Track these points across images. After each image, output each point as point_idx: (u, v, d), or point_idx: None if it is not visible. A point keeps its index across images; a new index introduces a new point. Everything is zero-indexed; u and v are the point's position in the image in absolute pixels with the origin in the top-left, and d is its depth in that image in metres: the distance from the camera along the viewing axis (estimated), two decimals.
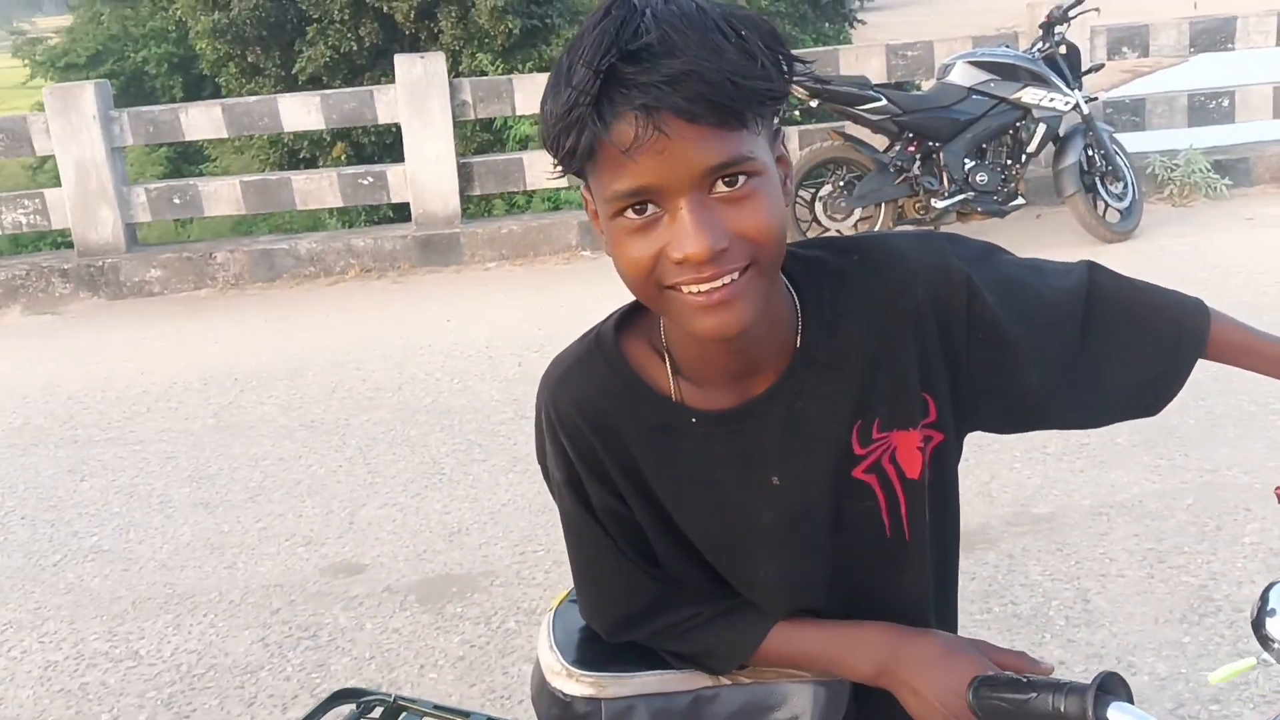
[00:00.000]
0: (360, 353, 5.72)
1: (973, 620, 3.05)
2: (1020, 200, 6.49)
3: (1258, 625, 1.03)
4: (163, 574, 3.73)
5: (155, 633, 3.39)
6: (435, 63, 7.54)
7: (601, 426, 1.19)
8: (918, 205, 6.42)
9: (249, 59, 15.89)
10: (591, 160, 1.01)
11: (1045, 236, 6.71)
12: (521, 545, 3.69)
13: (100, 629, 3.43)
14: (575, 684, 1.25)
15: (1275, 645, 1.00)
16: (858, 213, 6.42)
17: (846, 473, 1.20)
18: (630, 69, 0.96)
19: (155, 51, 20.25)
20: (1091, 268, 1.26)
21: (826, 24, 20.45)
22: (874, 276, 1.18)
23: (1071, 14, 6.59)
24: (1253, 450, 3.80)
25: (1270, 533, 3.32)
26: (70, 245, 7.81)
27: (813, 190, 6.46)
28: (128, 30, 21.13)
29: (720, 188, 1.00)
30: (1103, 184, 6.56)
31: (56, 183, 7.66)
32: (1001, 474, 3.86)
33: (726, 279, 1.02)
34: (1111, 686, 1.04)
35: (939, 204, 6.35)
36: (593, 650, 1.29)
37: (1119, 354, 1.23)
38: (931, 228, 6.56)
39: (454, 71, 13.41)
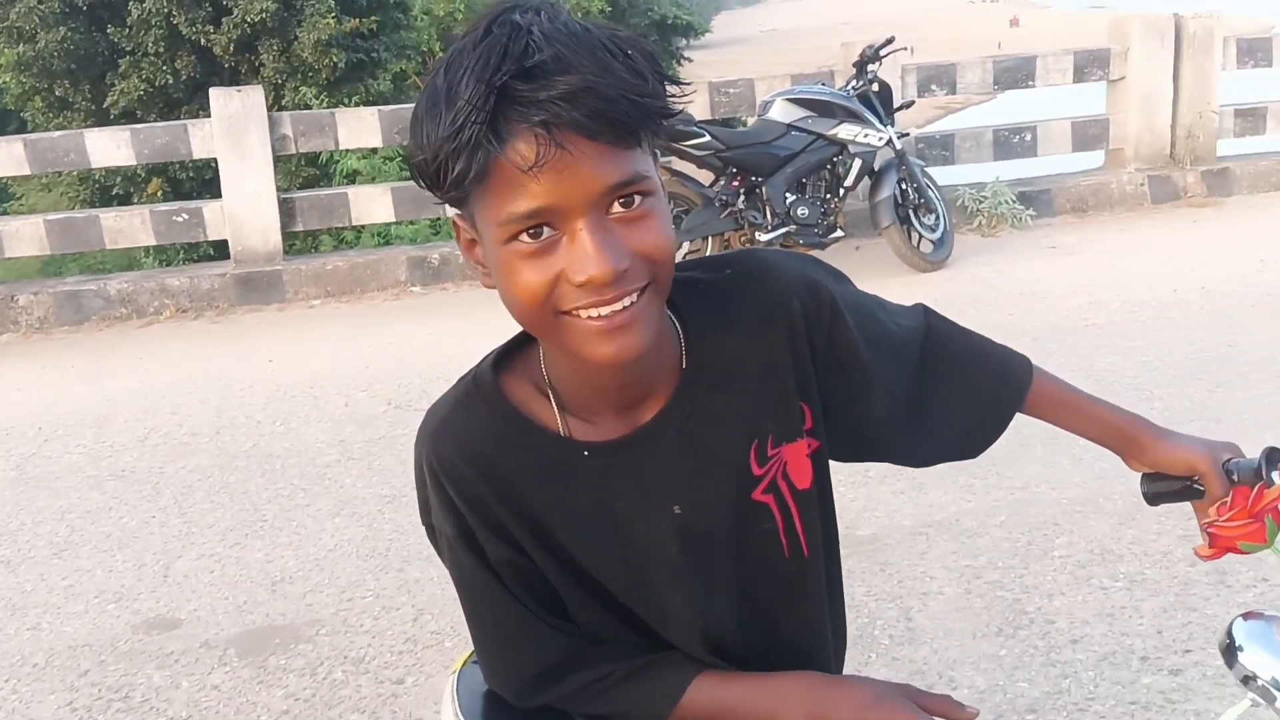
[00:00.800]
0: (175, 396, 5.48)
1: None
2: (840, 233, 6.70)
3: (1231, 664, 1.02)
4: None
5: None
6: (254, 96, 7.34)
7: (489, 472, 1.14)
8: (743, 239, 6.55)
9: (57, 93, 15.27)
10: (482, 184, 0.97)
11: (863, 266, 6.93)
12: (349, 592, 3.58)
13: None
14: None
15: (1257, 681, 0.99)
16: (685, 246, 6.50)
17: (747, 495, 1.18)
18: (525, 86, 0.93)
19: None
20: (927, 312, 1.31)
21: None
22: (750, 289, 1.18)
23: (883, 53, 6.86)
24: (1059, 466, 3.98)
25: (1076, 545, 3.48)
26: None
27: None
28: None
29: (617, 208, 0.99)
30: (916, 216, 6.83)
31: None
32: None
33: (628, 300, 1.00)
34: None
35: (763, 237, 6.49)
36: (501, 715, 1.23)
37: (947, 398, 1.28)
38: None
39: (276, 105, 13.12)
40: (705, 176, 6.66)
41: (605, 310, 1.00)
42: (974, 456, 1.36)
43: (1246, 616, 1.02)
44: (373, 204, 7.61)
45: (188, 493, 4.39)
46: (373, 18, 15.17)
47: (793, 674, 1.18)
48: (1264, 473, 1.22)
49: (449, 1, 17.86)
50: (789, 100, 6.61)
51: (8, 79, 15.49)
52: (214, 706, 3.06)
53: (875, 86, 6.76)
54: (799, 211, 6.52)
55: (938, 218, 6.93)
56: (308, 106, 13.71)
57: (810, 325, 1.19)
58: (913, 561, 3.49)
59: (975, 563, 3.46)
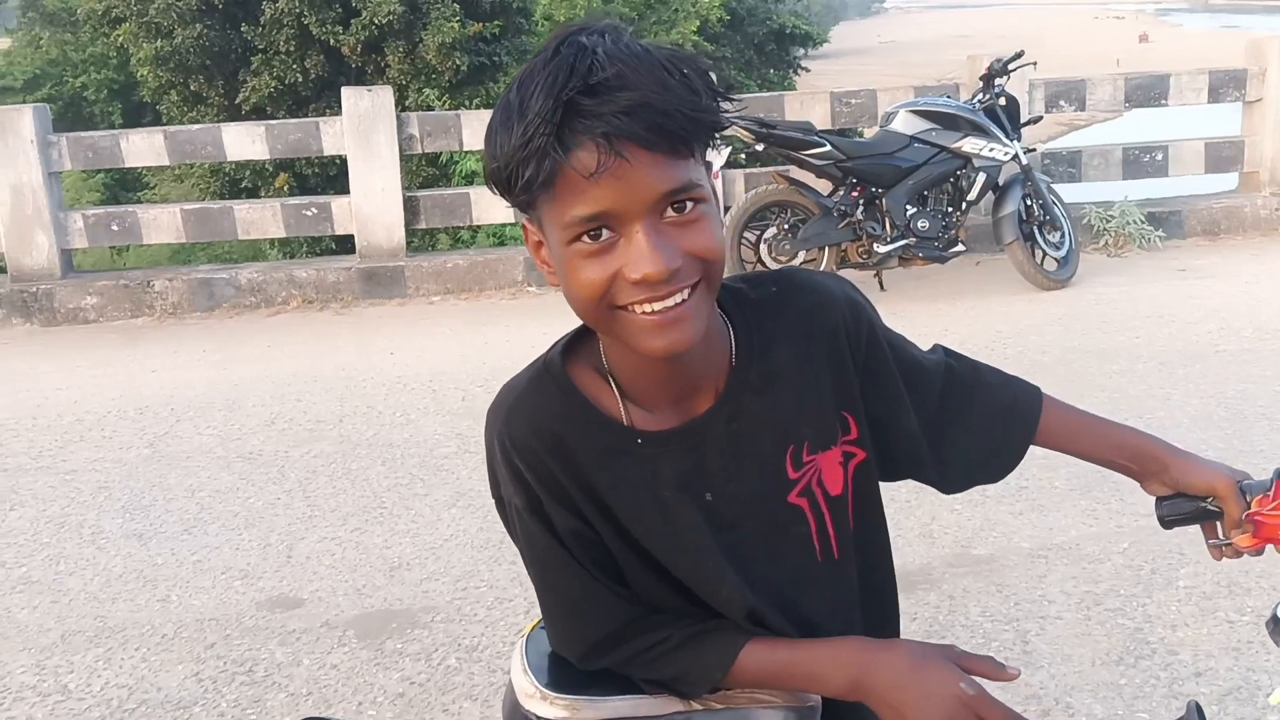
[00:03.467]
0: (301, 384, 5.65)
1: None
2: (960, 247, 6.61)
3: (1276, 636, 1.06)
4: (93, 606, 3.64)
5: (85, 667, 3.30)
6: (383, 96, 7.53)
7: (557, 449, 1.21)
8: (860, 250, 6.50)
9: (191, 87, 15.76)
10: (548, 189, 1.06)
11: (984, 283, 6.84)
12: (463, 581, 3.65)
13: (28, 662, 3.33)
14: (549, 707, 1.26)
15: None
16: (802, 255, 6.49)
17: (782, 498, 1.25)
18: (589, 101, 1.02)
19: (95, 77, 20.06)
20: (945, 350, 1.40)
21: (771, 70, 20.80)
22: (793, 305, 1.27)
23: (1011, 67, 6.76)
24: None
25: (1203, 577, 3.38)
26: (2, 270, 7.65)
27: (758, 232, 6.53)
28: (67, 55, 20.90)
29: (670, 213, 1.07)
30: (1040, 233, 6.71)
31: None
32: (942, 515, 3.90)
33: (680, 296, 1.09)
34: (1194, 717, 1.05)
35: (881, 249, 6.44)
36: (566, 674, 1.29)
37: (965, 425, 1.36)
38: (873, 272, 6.66)
39: (400, 106, 13.41)
40: (824, 186, 6.63)
41: (659, 305, 1.08)
42: (995, 481, 1.42)
43: None
44: (493, 205, 7.73)
45: (311, 477, 4.52)
46: (495, 22, 15.39)
47: (840, 640, 1.23)
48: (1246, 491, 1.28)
49: (570, 7, 18.04)
50: (913, 112, 6.55)
51: (145, 73, 16.08)
52: (333, 685, 3.15)
53: (1002, 100, 6.66)
54: (919, 224, 6.45)
55: (1063, 235, 6.79)
56: (430, 107, 13.98)
57: (851, 341, 1.27)
58: (1031, 584, 3.43)
59: (1096, 589, 3.38)
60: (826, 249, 6.47)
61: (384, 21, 14.30)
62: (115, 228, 7.58)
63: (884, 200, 6.46)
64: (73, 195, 16.98)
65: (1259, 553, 1.30)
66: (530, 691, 1.27)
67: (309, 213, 7.64)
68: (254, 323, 7.10)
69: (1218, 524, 1.36)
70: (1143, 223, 7.62)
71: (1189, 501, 1.35)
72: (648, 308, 1.08)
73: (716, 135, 1.11)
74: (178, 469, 4.69)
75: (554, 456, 1.21)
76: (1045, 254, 6.74)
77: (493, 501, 1.32)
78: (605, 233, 1.07)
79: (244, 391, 5.61)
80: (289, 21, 14.65)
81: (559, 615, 1.29)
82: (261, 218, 7.63)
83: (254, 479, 4.55)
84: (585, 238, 1.07)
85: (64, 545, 4.06)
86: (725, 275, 1.18)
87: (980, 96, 6.70)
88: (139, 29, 15.29)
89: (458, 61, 14.62)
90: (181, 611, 3.59)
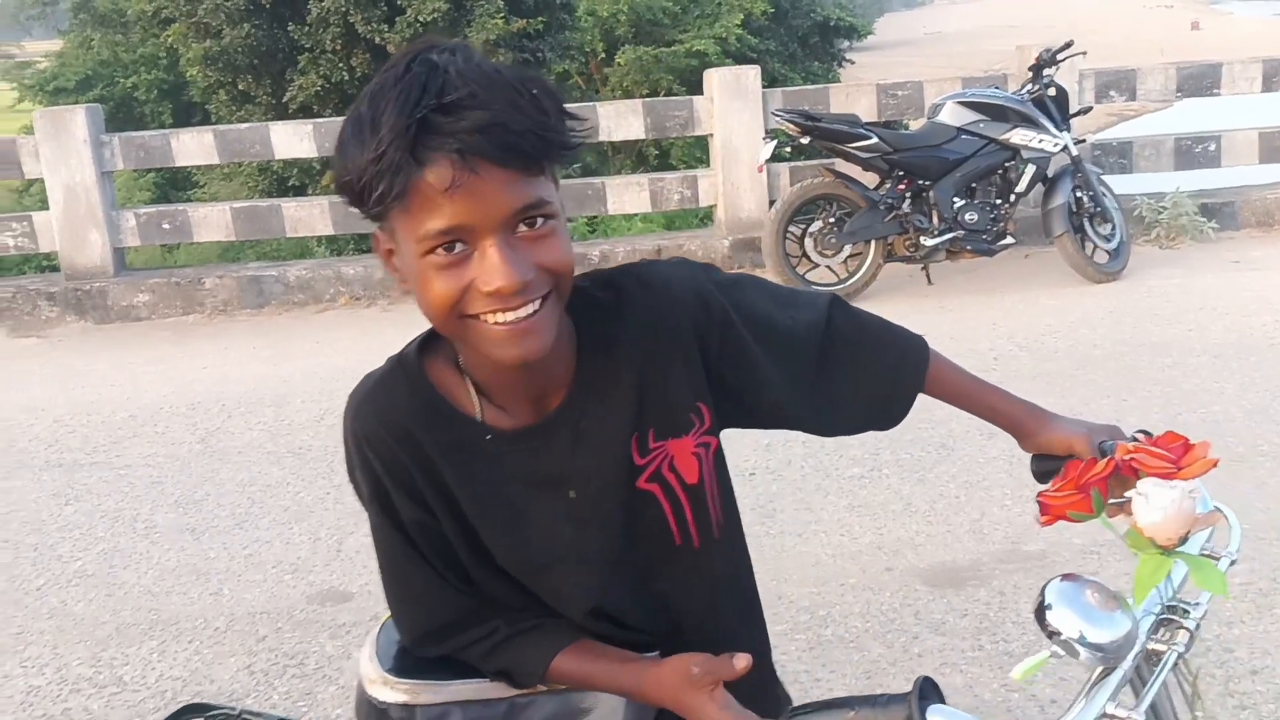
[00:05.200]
0: (349, 380, 5.57)
1: (964, 658, 3.05)
2: (1009, 240, 6.54)
3: (1040, 619, 1.11)
4: (147, 600, 3.70)
5: (139, 659, 3.35)
6: None
7: (406, 442, 1.25)
8: (907, 243, 6.45)
9: (240, 87, 15.92)
10: (402, 203, 1.08)
11: (1034, 276, 6.76)
12: None
13: (84, 654, 3.39)
14: (390, 691, 1.31)
15: (1060, 636, 1.09)
16: (847, 249, 6.45)
17: (632, 484, 1.30)
18: (443, 118, 1.05)
19: (145, 78, 20.31)
20: (832, 303, 1.42)
21: (815, 63, 20.68)
22: (637, 305, 1.30)
23: (1060, 57, 6.67)
24: (1241, 492, 3.81)
25: (1259, 573, 3.33)
26: (56, 269, 7.77)
27: (803, 226, 6.50)
28: (118, 56, 21.19)
29: (522, 228, 1.12)
30: (1091, 225, 6.62)
31: (43, 206, 7.64)
32: (992, 511, 3.87)
33: (531, 308, 1.13)
34: (928, 691, 1.09)
35: (929, 242, 6.39)
36: (411, 660, 1.34)
37: (849, 380, 1.40)
38: (920, 265, 6.60)
39: None
40: (870, 179, 6.59)
41: (510, 316, 1.12)
42: (889, 428, 1.48)
43: (1064, 578, 1.12)
44: None
45: None
46: (539, 19, 15.43)
47: (633, 666, 1.27)
48: (1106, 451, 1.31)
49: (613, 3, 18.05)
50: (960, 103, 6.49)
51: (194, 73, 16.27)
52: None
53: (1051, 91, 6.58)
54: (967, 217, 6.39)
55: (1114, 227, 6.70)
56: None
57: (701, 335, 1.30)
58: None
59: None
60: (872, 242, 6.43)
61: (429, 19, 14.38)
62: (166, 226, 7.68)
63: (931, 193, 6.41)
64: (124, 194, 17.21)
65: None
66: (373, 677, 1.32)
67: (354, 210, 7.67)
68: (302, 319, 7.17)
69: None
70: (1195, 214, 7.50)
71: (1056, 460, 1.40)
72: (499, 318, 1.12)
73: (564, 153, 1.14)
74: (229, 464, 4.75)
75: (403, 448, 1.25)
76: (1096, 246, 6.65)
77: None
78: (459, 246, 1.10)
79: (293, 387, 5.67)
80: (335, 20, 14.76)
81: (397, 602, 1.34)
82: (309, 215, 7.70)
83: (303, 474, 4.60)
84: (439, 250, 1.10)
85: (118, 539, 4.13)
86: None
87: (1029, 87, 6.62)
88: (188, 29, 15.48)
89: (501, 58, 14.69)
90: (233, 605, 3.63)
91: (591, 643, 1.30)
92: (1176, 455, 1.22)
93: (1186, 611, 1.21)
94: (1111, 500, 1.27)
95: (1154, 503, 1.18)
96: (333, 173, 1.16)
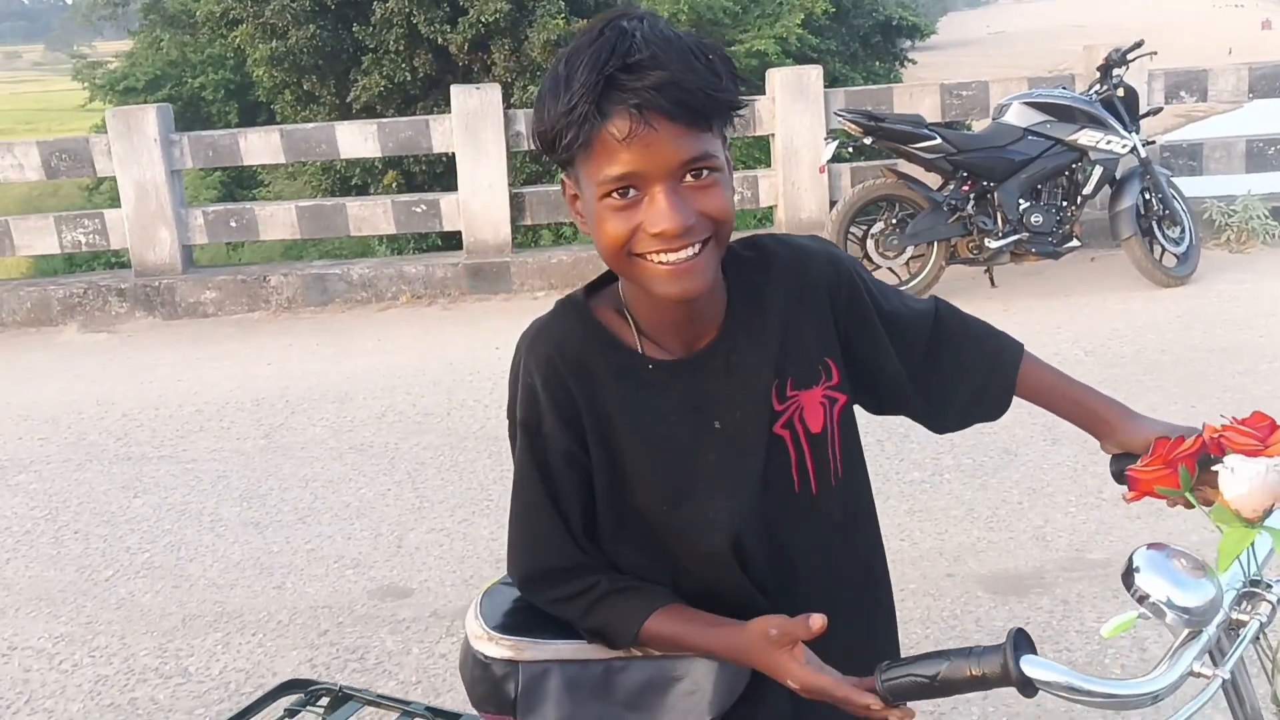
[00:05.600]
0: (410, 378, 5.75)
1: None
2: (1075, 242, 6.44)
3: (1127, 583, 1.16)
4: (213, 592, 3.76)
5: (205, 650, 3.40)
6: (491, 94, 7.62)
7: (577, 368, 1.35)
8: (971, 245, 6.38)
9: (305, 87, 16.13)
10: (586, 151, 1.21)
11: (1100, 279, 6.65)
12: None
13: (150, 645, 3.45)
14: (495, 647, 1.37)
15: (1148, 599, 1.14)
16: (909, 251, 6.39)
17: (769, 427, 1.38)
18: (626, 77, 1.17)
19: (212, 78, 20.62)
20: (938, 301, 1.53)
21: (877, 63, 20.51)
22: (780, 262, 1.41)
23: (1130, 57, 6.56)
24: None
25: None
26: (124, 265, 7.93)
27: (864, 227, 6.45)
28: (186, 56, 21.53)
29: (689, 179, 1.22)
30: (1159, 228, 6.50)
31: (111, 204, 7.80)
32: (1055, 518, 3.81)
33: (691, 250, 1.23)
34: (1020, 642, 1.11)
35: (993, 244, 6.31)
36: (514, 620, 1.40)
37: (951, 370, 1.49)
38: (984, 268, 6.53)
39: (506, 103, 13.56)
40: (933, 180, 6.52)
41: (673, 257, 1.23)
42: (988, 420, 1.55)
43: (1150, 546, 1.17)
44: None
45: (420, 469, 4.60)
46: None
47: (720, 629, 1.32)
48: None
49: (674, 3, 18.04)
50: (1027, 104, 6.41)
51: (261, 73, 16.52)
52: (440, 674, 3.20)
53: (1120, 91, 6.47)
54: (1033, 219, 6.30)
55: (1183, 230, 6.57)
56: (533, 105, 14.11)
57: (833, 293, 1.41)
58: None
59: None
60: (935, 244, 6.36)
61: (491, 20, 14.47)
62: (234, 224, 7.80)
63: (996, 194, 6.33)
64: (190, 193, 17.49)
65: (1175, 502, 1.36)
66: (479, 633, 1.38)
67: (418, 209, 7.76)
68: (364, 317, 7.25)
69: None
70: (1267, 217, 7.33)
71: (1134, 458, 1.43)
72: (663, 258, 1.23)
73: (733, 113, 1.25)
74: (292, 459, 4.81)
75: (573, 375, 1.35)
76: (1164, 249, 6.53)
77: None
78: (632, 191, 1.21)
79: (355, 384, 5.73)
80: (398, 21, 14.90)
81: (518, 538, 1.41)
82: (373, 214, 7.78)
83: (365, 470, 4.64)
84: (615, 194, 1.22)
85: (184, 532, 4.20)
86: None
87: (1097, 87, 6.52)
88: (255, 30, 15.70)
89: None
90: (296, 598, 3.68)
91: (683, 607, 1.36)
92: (1263, 434, 1.26)
93: (1270, 586, 1.25)
94: (1196, 485, 1.32)
95: (1240, 475, 1.22)
96: (532, 124, 1.28)
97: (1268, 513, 1.23)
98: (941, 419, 1.53)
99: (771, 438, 1.38)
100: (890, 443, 4.41)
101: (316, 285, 7.53)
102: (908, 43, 22.33)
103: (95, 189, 19.32)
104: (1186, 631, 1.15)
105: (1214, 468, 1.26)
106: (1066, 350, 5.49)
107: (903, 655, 1.24)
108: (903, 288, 6.29)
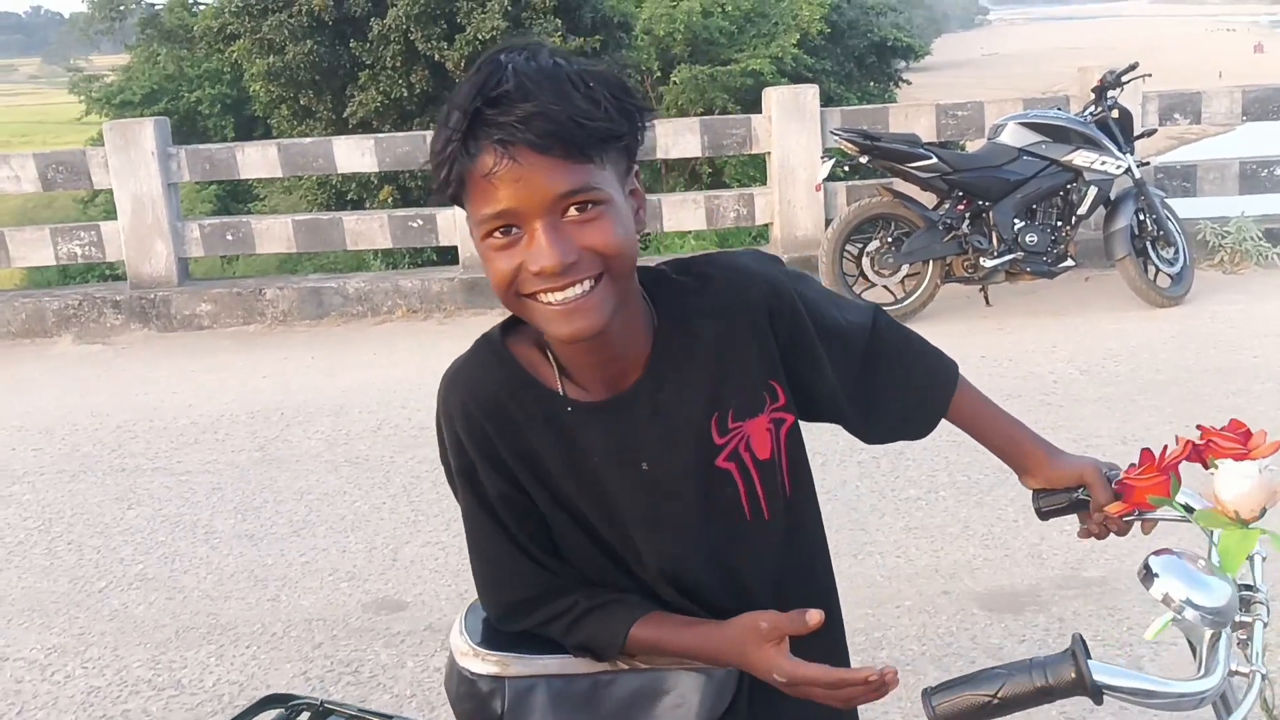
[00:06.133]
0: (406, 391, 5.75)
1: None
2: (1070, 262, 6.47)
3: (1149, 587, 1.16)
4: (206, 604, 3.74)
5: (198, 662, 3.39)
6: None
7: (496, 414, 1.32)
8: (966, 264, 6.40)
9: (301, 102, 16.19)
10: (464, 190, 1.19)
11: (1095, 299, 6.68)
12: None
13: (143, 656, 3.44)
14: (480, 663, 1.36)
15: (1174, 601, 1.14)
16: (904, 269, 6.41)
17: (710, 462, 1.35)
18: (491, 111, 1.14)
19: (209, 92, 20.70)
20: (876, 312, 1.48)
21: (871, 83, 20.63)
22: (715, 289, 1.36)
23: (1125, 79, 6.60)
24: None
25: None
26: (119, 277, 7.93)
27: (860, 245, 6.47)
28: (183, 71, 21.60)
29: (572, 213, 1.17)
30: (1154, 248, 6.53)
31: (106, 216, 7.80)
32: (1051, 536, 3.82)
33: (579, 288, 1.19)
34: (1079, 648, 1.11)
35: (988, 263, 6.34)
36: (499, 636, 1.39)
37: (887, 385, 1.46)
38: (979, 286, 6.55)
39: None
40: (929, 199, 6.55)
41: (559, 296, 1.19)
42: (914, 439, 1.53)
43: (1158, 553, 1.17)
44: None
45: (415, 482, 4.60)
46: (596, 37, 15.56)
47: (705, 629, 1.32)
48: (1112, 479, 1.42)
49: (670, 22, 18.13)
50: (1022, 124, 6.44)
51: (257, 88, 16.58)
52: (435, 687, 3.19)
53: (1115, 113, 6.51)
54: (1028, 238, 6.33)
55: (1177, 251, 6.60)
56: None
57: (774, 316, 1.36)
58: (1145, 609, 3.33)
59: None
60: (930, 262, 6.39)
61: (488, 36, 14.54)
62: (230, 237, 7.81)
63: (991, 214, 6.35)
64: (186, 206, 17.51)
65: (1127, 527, 1.43)
66: (464, 649, 1.37)
67: (415, 224, 7.77)
68: (360, 331, 7.25)
69: (1089, 513, 1.47)
70: (1260, 239, 7.37)
71: (1063, 494, 1.48)
72: (550, 297, 1.19)
73: (625, 142, 1.21)
74: (287, 472, 4.81)
75: (491, 421, 1.32)
76: (1158, 270, 6.55)
77: None
78: (514, 229, 1.18)
79: (351, 398, 5.73)
80: (396, 38, 14.98)
81: (482, 577, 1.40)
82: (369, 229, 7.79)
83: (360, 483, 4.64)
84: (496, 233, 1.18)
85: (179, 544, 4.19)
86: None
87: (1092, 109, 6.55)
88: (252, 45, 15.77)
89: None
90: (290, 611, 3.67)
91: (664, 613, 1.35)
92: (1243, 440, 1.29)
93: (1255, 589, 1.26)
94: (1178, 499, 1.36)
95: (1237, 475, 1.25)
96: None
97: (1263, 512, 1.24)
98: (871, 433, 1.51)
99: (715, 472, 1.35)
100: (886, 459, 4.41)
101: (312, 299, 7.53)
102: (902, 63, 22.50)
103: (90, 201, 19.34)
104: (1210, 633, 1.16)
105: (1208, 470, 1.30)
106: (1061, 369, 5.51)
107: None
108: (898, 305, 6.34)
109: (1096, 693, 1.09)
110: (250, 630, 3.56)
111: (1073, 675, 1.10)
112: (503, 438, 1.32)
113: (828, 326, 1.41)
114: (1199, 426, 1.34)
